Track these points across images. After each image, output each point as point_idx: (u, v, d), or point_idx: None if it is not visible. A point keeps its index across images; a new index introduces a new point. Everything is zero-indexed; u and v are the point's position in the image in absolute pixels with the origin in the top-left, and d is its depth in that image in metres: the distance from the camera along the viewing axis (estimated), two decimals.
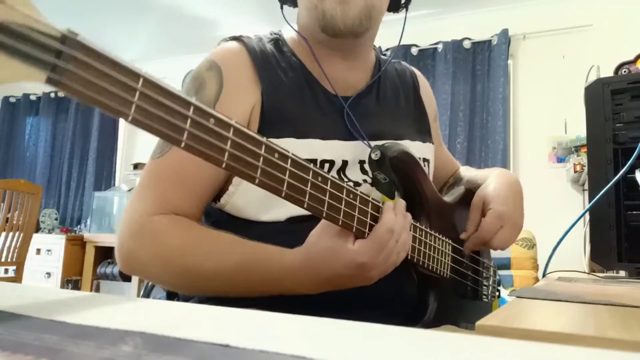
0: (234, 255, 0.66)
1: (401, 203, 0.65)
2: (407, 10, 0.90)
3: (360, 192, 0.61)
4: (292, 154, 0.51)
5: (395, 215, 0.62)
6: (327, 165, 0.75)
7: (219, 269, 0.66)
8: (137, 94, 0.39)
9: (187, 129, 0.42)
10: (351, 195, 0.59)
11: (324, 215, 0.56)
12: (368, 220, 0.62)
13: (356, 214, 0.60)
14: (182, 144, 0.42)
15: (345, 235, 0.60)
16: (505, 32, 3.39)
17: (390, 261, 0.62)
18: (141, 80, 0.39)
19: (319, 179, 0.55)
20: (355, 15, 0.75)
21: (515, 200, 0.84)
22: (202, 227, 0.72)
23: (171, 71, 3.96)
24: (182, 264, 0.67)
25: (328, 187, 0.56)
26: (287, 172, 0.51)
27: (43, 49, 0.34)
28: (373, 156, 0.73)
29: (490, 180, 0.86)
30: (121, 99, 0.38)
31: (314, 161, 0.74)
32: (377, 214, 0.63)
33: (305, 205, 0.53)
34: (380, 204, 0.65)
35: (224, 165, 0.44)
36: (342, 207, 0.58)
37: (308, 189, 0.53)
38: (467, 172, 1.00)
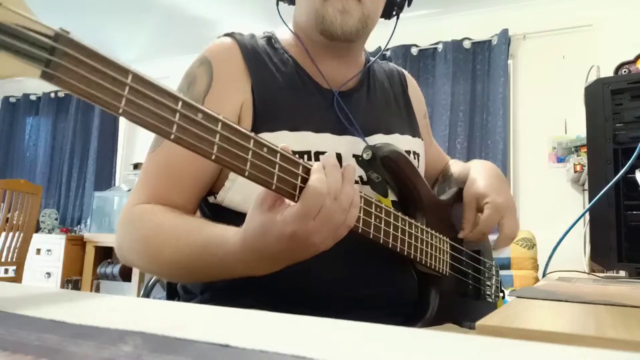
0: (188, 244, 0.64)
1: (330, 159, 0.58)
2: (397, 18, 0.91)
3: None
4: (281, 148, 0.53)
5: (325, 173, 0.55)
6: (322, 158, 0.76)
7: (175, 258, 0.65)
8: (127, 88, 0.40)
9: (177, 122, 0.44)
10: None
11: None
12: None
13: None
14: (172, 136, 0.44)
15: (276, 208, 0.55)
16: (505, 32, 3.39)
17: (334, 223, 0.55)
18: (130, 76, 0.40)
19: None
20: (353, 24, 0.77)
21: (505, 188, 0.87)
22: (171, 215, 0.69)
23: (171, 71, 3.95)
24: (147, 252, 0.68)
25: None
26: (277, 166, 0.52)
27: (38, 47, 0.35)
28: (365, 156, 0.74)
29: (474, 175, 0.88)
30: (112, 93, 0.40)
31: (308, 153, 0.75)
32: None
33: (296, 199, 0.54)
34: (374, 200, 0.65)
35: (213, 157, 0.46)
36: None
37: (298, 182, 0.54)
38: (454, 168, 1.01)
